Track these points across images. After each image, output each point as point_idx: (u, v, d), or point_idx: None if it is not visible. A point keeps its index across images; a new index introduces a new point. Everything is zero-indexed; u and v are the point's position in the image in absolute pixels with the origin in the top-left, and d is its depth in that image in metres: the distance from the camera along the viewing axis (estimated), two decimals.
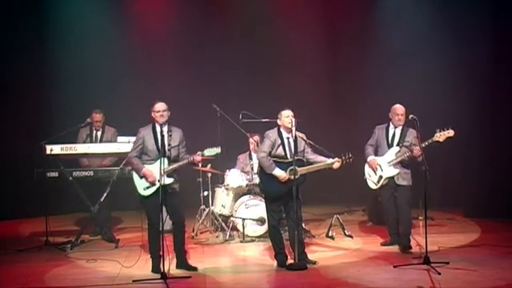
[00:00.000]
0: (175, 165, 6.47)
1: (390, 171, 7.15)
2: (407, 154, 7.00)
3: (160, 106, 6.48)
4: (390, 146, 7.22)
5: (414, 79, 9.95)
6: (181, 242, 6.64)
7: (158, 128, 6.47)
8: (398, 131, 7.21)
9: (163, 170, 6.24)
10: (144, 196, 6.50)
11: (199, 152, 6.51)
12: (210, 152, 6.56)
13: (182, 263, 6.61)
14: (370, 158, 7.29)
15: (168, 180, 6.42)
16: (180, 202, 6.64)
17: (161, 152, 6.32)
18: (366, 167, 7.38)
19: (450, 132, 6.82)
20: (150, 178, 6.42)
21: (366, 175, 7.41)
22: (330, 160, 6.70)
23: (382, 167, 7.20)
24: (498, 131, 9.23)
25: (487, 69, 9.51)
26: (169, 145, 6.46)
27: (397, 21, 10.24)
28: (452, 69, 9.80)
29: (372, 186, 7.37)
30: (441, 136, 6.82)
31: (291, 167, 6.53)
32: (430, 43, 10.06)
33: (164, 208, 6.31)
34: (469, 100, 9.49)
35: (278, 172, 6.56)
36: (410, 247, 7.10)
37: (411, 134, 7.05)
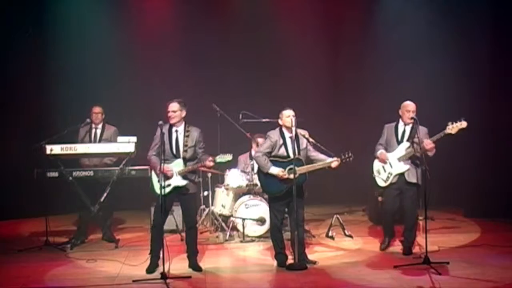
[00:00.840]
0: (190, 168, 6.46)
1: (400, 167, 6.96)
2: (418, 149, 6.75)
3: (169, 107, 6.48)
4: (399, 143, 7.03)
5: (414, 79, 9.94)
6: (191, 242, 6.65)
7: (174, 127, 6.50)
8: (408, 128, 6.99)
9: (162, 170, 6.23)
10: (160, 195, 6.45)
11: (211, 158, 6.47)
12: (222, 158, 6.52)
13: (191, 263, 6.63)
14: (380, 151, 7.08)
15: (182, 182, 6.43)
16: (194, 204, 6.69)
17: (163, 153, 6.29)
18: (375, 164, 7.18)
19: (463, 124, 6.64)
20: (168, 173, 6.37)
21: (375, 173, 7.19)
22: (329, 160, 6.67)
23: (392, 163, 7.01)
24: (498, 131, 9.23)
25: (487, 69, 9.51)
26: (185, 145, 6.46)
27: (397, 21, 10.23)
28: (452, 69, 9.79)
29: (381, 183, 7.14)
30: (453, 128, 6.64)
31: (290, 167, 6.54)
32: (430, 43, 10.05)
33: (164, 209, 6.32)
34: (469, 100, 9.48)
35: (274, 170, 6.56)
36: (411, 253, 6.98)
37: (422, 131, 6.82)
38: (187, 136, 6.48)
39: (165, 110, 6.54)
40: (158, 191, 6.46)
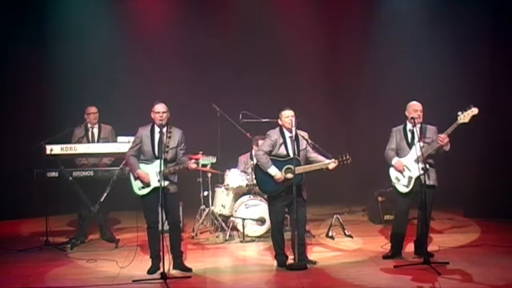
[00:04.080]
0: (171, 169, 6.42)
1: (418, 169, 6.59)
2: (434, 147, 6.57)
3: (160, 107, 6.43)
4: (410, 145, 6.77)
5: (414, 79, 9.96)
6: (176, 243, 6.62)
7: (156, 129, 6.46)
8: (416, 129, 6.69)
9: (162, 172, 6.23)
10: (139, 195, 6.50)
11: (193, 160, 6.46)
12: (205, 161, 6.55)
13: (178, 263, 6.60)
14: (395, 160, 6.76)
15: (163, 183, 6.39)
16: (176, 203, 6.65)
17: (160, 154, 6.30)
18: (392, 171, 6.81)
19: (474, 110, 6.47)
20: (144, 180, 6.42)
21: (394, 180, 6.80)
22: (327, 161, 6.66)
23: (409, 167, 6.71)
24: (498, 131, 9.23)
25: (487, 70, 9.51)
26: (166, 146, 6.40)
27: (397, 22, 10.25)
28: (452, 69, 9.80)
29: (404, 189, 6.75)
30: (465, 116, 6.48)
31: (287, 166, 6.55)
32: (430, 44, 10.06)
33: (155, 209, 6.33)
34: (469, 100, 9.46)
35: (273, 171, 6.57)
36: (432, 255, 6.72)
37: (431, 130, 6.71)
38: (169, 137, 6.43)
39: (151, 111, 6.48)
40: (137, 191, 6.49)
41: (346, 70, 10.60)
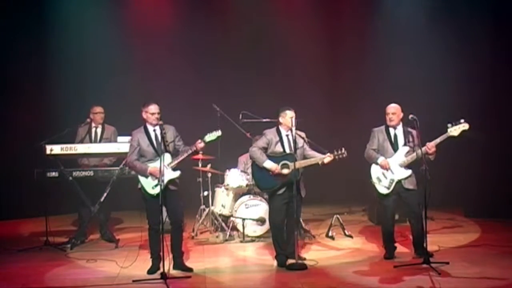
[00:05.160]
0: (180, 158, 6.46)
1: (402, 173, 6.69)
2: (419, 153, 6.53)
3: (155, 108, 6.47)
4: (394, 147, 6.79)
5: (415, 79, 9.96)
6: (178, 243, 6.62)
7: (150, 128, 6.49)
8: (399, 132, 6.80)
9: (163, 168, 6.22)
10: (152, 195, 6.44)
11: (199, 140, 6.47)
12: (211, 136, 6.51)
13: (179, 263, 6.60)
14: (381, 159, 6.74)
15: (175, 174, 6.41)
16: (179, 201, 6.63)
17: (161, 150, 6.31)
18: (374, 170, 6.83)
19: (465, 125, 6.50)
20: (158, 174, 6.32)
21: (374, 180, 6.82)
22: (322, 155, 6.67)
23: (393, 169, 6.72)
24: (499, 131, 9.24)
25: (488, 69, 9.52)
26: (165, 141, 6.44)
27: (397, 20, 10.26)
28: (453, 69, 9.80)
29: (384, 191, 6.79)
30: (455, 130, 6.50)
31: (283, 162, 6.56)
32: (431, 42, 10.06)
33: (164, 208, 6.31)
34: (470, 100, 9.49)
35: (269, 164, 6.58)
36: (432, 255, 6.66)
37: (412, 134, 6.73)
38: (165, 134, 6.45)
39: (144, 111, 6.51)
40: (151, 192, 6.43)
41: (347, 68, 10.60)
